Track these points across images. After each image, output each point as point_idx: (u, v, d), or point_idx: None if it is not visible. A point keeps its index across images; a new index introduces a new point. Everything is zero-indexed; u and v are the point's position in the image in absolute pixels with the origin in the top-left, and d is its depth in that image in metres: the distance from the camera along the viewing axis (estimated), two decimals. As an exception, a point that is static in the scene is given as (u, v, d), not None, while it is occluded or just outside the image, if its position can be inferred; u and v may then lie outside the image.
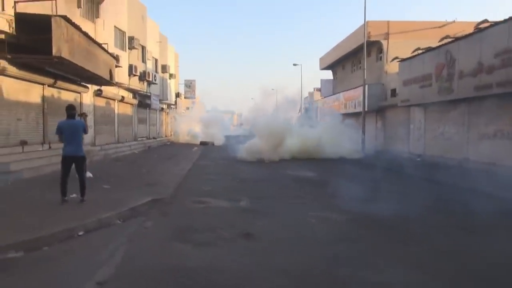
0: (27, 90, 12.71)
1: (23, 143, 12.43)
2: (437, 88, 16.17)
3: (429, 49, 17.23)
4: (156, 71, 30.41)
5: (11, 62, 11.16)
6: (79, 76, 14.67)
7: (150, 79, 26.54)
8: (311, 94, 71.46)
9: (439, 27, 23.96)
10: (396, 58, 19.23)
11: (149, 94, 28.06)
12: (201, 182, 12.07)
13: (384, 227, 6.71)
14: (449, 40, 15.66)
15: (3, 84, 11.37)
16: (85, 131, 7.73)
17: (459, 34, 22.90)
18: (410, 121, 20.83)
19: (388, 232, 6.41)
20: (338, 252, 5.35)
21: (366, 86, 23.65)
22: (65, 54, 11.12)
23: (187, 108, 57.23)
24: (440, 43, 16.29)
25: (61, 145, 7.85)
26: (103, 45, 15.18)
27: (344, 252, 5.34)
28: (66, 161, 7.56)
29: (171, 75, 37.73)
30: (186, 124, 40.96)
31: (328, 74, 38.26)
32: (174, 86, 41.01)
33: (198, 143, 34.56)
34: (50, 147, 14.07)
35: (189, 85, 46.55)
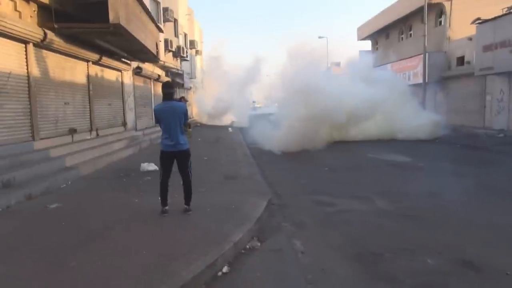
0: (73, 68, 10.71)
1: (73, 131, 10.54)
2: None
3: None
4: (186, 47, 28.15)
5: (58, 33, 9.09)
6: (127, 50, 12.57)
7: (184, 55, 24.35)
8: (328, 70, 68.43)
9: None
10: (478, 19, 16.67)
11: (181, 72, 25.91)
12: (284, 172, 10.12)
13: None
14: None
15: (49, 61, 9.36)
16: (187, 117, 5.69)
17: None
18: (486, 93, 18.40)
19: None
20: None
21: (427, 55, 21.14)
22: (122, 21, 9.02)
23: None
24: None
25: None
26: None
27: None
28: (166, 157, 5.56)
29: (197, 52, 35.39)
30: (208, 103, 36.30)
31: (365, 46, 35.51)
32: (200, 63, 38.70)
33: (223, 123, 31.45)
34: (97, 135, 12.19)
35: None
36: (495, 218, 5.75)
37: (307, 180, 9.01)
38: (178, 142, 5.51)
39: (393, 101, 16.71)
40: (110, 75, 13.77)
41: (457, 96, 20.51)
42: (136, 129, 16.66)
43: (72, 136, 10.47)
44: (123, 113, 15.13)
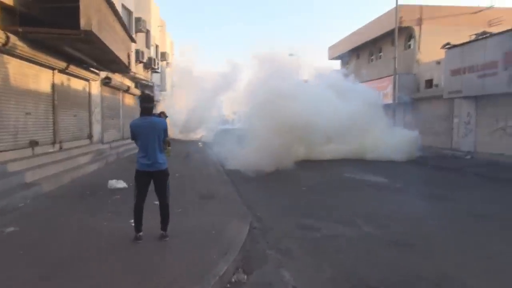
0: (37, 76, 9.96)
1: (34, 143, 9.73)
2: (506, 78, 14.24)
3: (494, 34, 15.27)
4: (157, 59, 27.47)
5: (22, 38, 8.39)
6: (97, 59, 11.92)
7: (155, 67, 23.70)
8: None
9: (474, 13, 22.23)
10: (448, 44, 17.20)
11: (151, 84, 25.17)
12: (260, 192, 9.72)
13: None
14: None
15: (11, 67, 8.62)
16: (166, 134, 5.21)
17: (496, 21, 21.38)
18: (453, 115, 18.94)
19: None
20: None
21: (397, 76, 21.63)
22: (94, 29, 8.47)
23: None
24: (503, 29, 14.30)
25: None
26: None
27: None
28: (142, 178, 5.04)
29: (167, 64, 34.70)
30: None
31: (335, 65, 36.12)
32: (170, 76, 37.96)
33: (194, 138, 30.36)
34: (61, 148, 11.38)
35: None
36: (487, 245, 5.60)
37: (286, 200, 8.67)
38: (156, 161, 5.02)
39: (368, 117, 16.51)
40: (77, 84, 13.00)
41: (426, 117, 21.00)
42: (102, 142, 15.82)
43: (33, 149, 9.65)
44: (90, 125, 14.31)
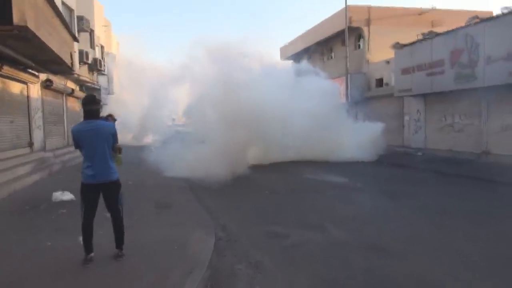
0: (-37, 78, 8.79)
1: (-38, 155, 8.56)
2: (451, 76, 14.81)
3: (438, 34, 15.84)
4: (103, 60, 26.00)
5: None
6: (36, 59, 10.83)
7: (101, 69, 22.39)
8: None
9: (418, 14, 23.17)
10: (397, 43, 17.67)
11: (98, 87, 23.78)
12: (221, 198, 9.12)
13: None
14: (470, 22, 14.30)
15: None
16: (116, 140, 4.61)
17: (437, 22, 22.40)
18: (404, 113, 19.53)
19: None
20: None
21: (349, 76, 22.03)
22: (30, 24, 7.59)
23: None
24: (457, 27, 14.87)
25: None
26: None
27: None
28: (89, 191, 4.40)
29: (114, 65, 33.01)
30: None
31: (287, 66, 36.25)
32: (118, 78, 36.23)
33: (145, 143, 28.65)
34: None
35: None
36: (458, 244, 5.52)
37: (250, 206, 8.27)
38: (105, 171, 4.42)
39: (331, 115, 16.04)
40: (13, 87, 11.78)
41: (378, 115, 21.40)
42: (45, 150, 14.53)
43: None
44: (30, 131, 13.05)
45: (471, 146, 15.12)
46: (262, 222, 6.81)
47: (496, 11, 16.90)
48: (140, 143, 28.57)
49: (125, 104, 33.77)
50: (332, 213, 7.48)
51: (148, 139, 30.04)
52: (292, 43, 33.21)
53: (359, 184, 10.80)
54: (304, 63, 21.57)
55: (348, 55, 21.94)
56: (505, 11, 12.87)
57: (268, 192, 9.76)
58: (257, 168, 13.36)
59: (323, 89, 17.32)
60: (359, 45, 24.45)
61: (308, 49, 30.32)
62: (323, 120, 15.61)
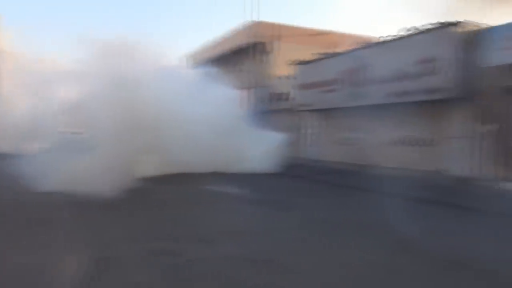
0: None
1: None
2: (344, 93, 15.99)
3: (334, 54, 17.03)
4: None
5: None
6: None
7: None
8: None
9: (317, 34, 24.72)
10: (299, 61, 18.55)
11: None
12: (108, 213, 8.23)
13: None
14: (361, 45, 15.62)
15: None
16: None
17: (334, 44, 24.16)
18: (303, 126, 20.52)
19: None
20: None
21: (254, 89, 22.53)
22: None
23: None
24: (349, 48, 16.14)
25: None
26: None
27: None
28: None
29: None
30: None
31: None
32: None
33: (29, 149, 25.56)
34: None
35: None
36: (347, 254, 5.71)
37: (139, 221, 7.68)
38: None
39: (233, 125, 15.70)
40: None
41: (280, 128, 22.26)
42: None
43: None
44: None
45: (360, 159, 16.38)
46: (151, 238, 6.33)
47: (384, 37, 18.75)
48: (18, 151, 25.41)
49: (10, 104, 29.92)
50: (228, 226, 7.30)
51: (32, 147, 26.88)
52: (199, 52, 33.02)
53: (258, 196, 10.86)
54: (211, 72, 20.76)
55: (255, 68, 22.48)
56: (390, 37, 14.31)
57: (161, 205, 9.26)
58: (152, 179, 12.31)
59: (228, 98, 17.09)
60: (265, 60, 25.25)
61: (219, 59, 30.38)
62: (226, 130, 15.34)
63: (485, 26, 12.18)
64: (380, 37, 15.21)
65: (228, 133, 15.51)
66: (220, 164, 15.19)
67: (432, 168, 13.53)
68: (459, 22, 12.06)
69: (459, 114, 12.87)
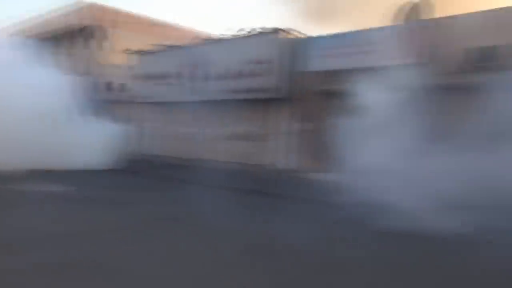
0: None
1: None
2: (183, 88, 16.02)
3: (175, 47, 16.83)
4: None
5: None
6: None
7: None
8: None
9: (152, 25, 23.86)
10: (139, 50, 17.59)
11: None
12: None
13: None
14: (199, 41, 15.84)
15: None
16: None
17: (170, 37, 23.86)
18: (143, 119, 19.76)
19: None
20: None
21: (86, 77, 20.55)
22: None
23: None
24: (187, 43, 16.19)
25: None
26: None
27: None
28: None
29: None
30: None
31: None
32: None
33: None
34: None
35: None
36: (183, 249, 5.71)
37: None
38: None
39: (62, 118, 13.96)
40: None
41: (117, 120, 20.84)
42: None
43: None
44: None
45: (197, 153, 16.71)
46: None
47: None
48: None
49: None
50: (46, 229, 6.44)
51: None
52: (12, 28, 28.05)
53: (87, 193, 9.95)
54: (39, 51, 17.32)
55: (87, 54, 20.44)
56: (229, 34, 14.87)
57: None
58: None
59: (58, 84, 14.95)
60: (98, 45, 23.25)
61: (49, 38, 26.38)
62: (54, 120, 13.55)
63: (308, 36, 13.87)
64: (220, 34, 15.77)
65: (56, 123, 13.70)
66: (45, 159, 13.13)
67: (263, 162, 14.78)
68: (284, 29, 13.44)
69: (285, 112, 14.39)
